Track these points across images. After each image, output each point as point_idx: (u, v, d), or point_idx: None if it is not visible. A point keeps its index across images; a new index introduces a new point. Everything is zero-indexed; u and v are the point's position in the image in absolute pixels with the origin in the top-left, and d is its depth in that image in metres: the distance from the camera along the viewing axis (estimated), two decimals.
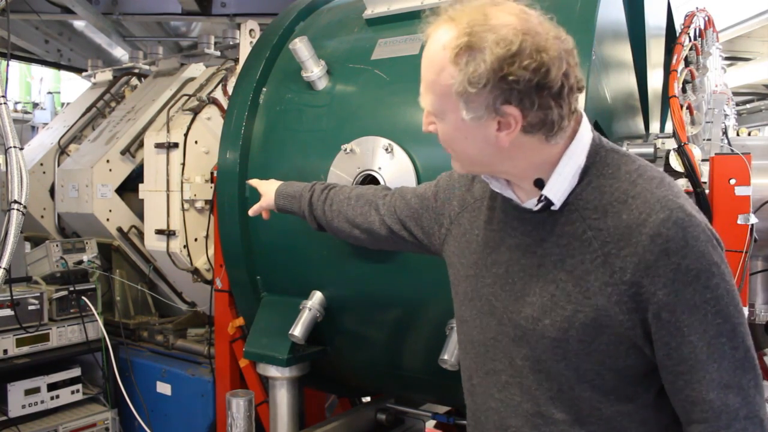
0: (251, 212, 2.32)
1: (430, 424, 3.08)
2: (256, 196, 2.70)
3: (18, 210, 2.65)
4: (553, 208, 1.37)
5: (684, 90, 2.56)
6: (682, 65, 2.58)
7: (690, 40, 2.86)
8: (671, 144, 2.42)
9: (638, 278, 1.26)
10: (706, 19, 3.24)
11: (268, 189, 2.25)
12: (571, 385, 1.37)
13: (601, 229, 1.31)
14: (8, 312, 3.31)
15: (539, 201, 1.37)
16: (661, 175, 1.35)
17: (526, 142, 1.31)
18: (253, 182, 2.36)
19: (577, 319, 1.32)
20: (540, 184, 1.36)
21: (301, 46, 2.55)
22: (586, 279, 1.32)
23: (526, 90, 1.23)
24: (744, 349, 1.29)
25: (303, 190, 2.14)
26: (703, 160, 2.23)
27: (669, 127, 2.87)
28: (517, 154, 1.34)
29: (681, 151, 2.19)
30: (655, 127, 3.20)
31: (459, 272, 1.59)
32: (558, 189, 1.35)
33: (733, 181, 2.07)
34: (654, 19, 3.03)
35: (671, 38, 2.99)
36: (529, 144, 1.32)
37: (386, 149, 2.31)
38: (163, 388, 3.58)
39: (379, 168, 2.33)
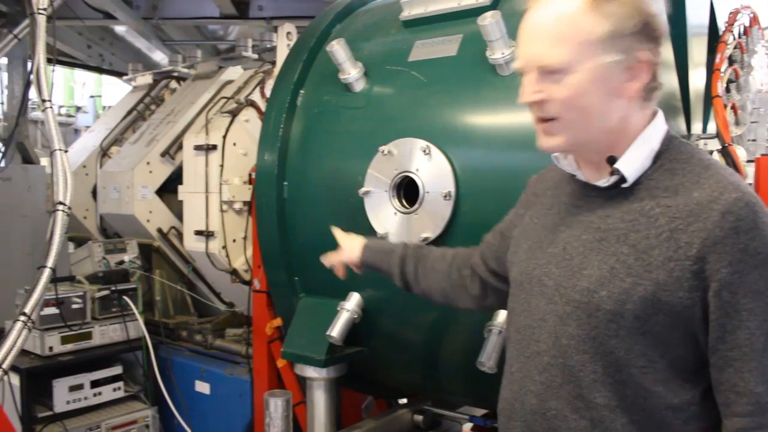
0: (327, 263, 2.18)
1: (467, 426, 3.06)
2: (294, 197, 2.73)
3: (63, 211, 2.68)
4: (624, 185, 1.39)
5: (728, 89, 2.51)
6: (725, 64, 2.53)
7: (734, 38, 2.80)
8: (714, 145, 2.37)
9: (704, 254, 1.26)
10: (751, 16, 3.17)
11: (350, 244, 2.13)
12: (618, 367, 1.34)
13: (670, 206, 1.33)
14: (54, 310, 3.39)
15: (611, 174, 1.39)
16: (732, 169, 1.39)
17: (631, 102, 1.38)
18: (336, 233, 2.22)
19: (636, 292, 1.31)
20: (612, 160, 1.39)
21: (338, 48, 2.57)
22: (649, 253, 1.32)
23: (658, 39, 1.35)
24: None
25: (395, 246, 2.06)
26: (747, 161, 2.18)
27: (712, 128, 2.82)
28: (619, 114, 1.38)
29: (725, 152, 2.16)
30: (697, 127, 3.13)
31: (512, 264, 1.61)
32: (631, 166, 1.38)
33: None
34: (696, 17, 2.97)
35: (714, 37, 2.92)
36: (630, 105, 1.38)
37: (424, 151, 2.31)
38: (202, 387, 3.63)
39: (417, 170, 2.33)
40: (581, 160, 1.49)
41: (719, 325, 1.28)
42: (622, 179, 1.39)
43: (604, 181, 1.42)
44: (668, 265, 1.29)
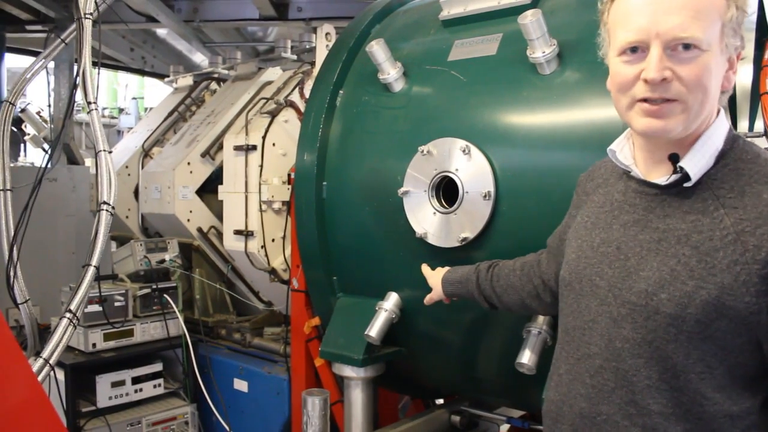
0: (427, 303, 2.25)
1: (505, 428, 3.03)
2: (333, 197, 2.75)
3: (107, 211, 2.72)
4: (687, 184, 1.34)
5: None
6: None
7: None
8: (762, 143, 2.31)
9: None
10: None
11: (435, 281, 2.19)
12: (675, 372, 1.29)
13: (737, 207, 1.27)
14: (97, 308, 3.46)
15: (674, 172, 1.34)
16: None
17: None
18: (425, 271, 2.28)
19: (699, 296, 1.26)
20: (675, 158, 1.34)
21: (377, 49, 2.57)
22: (713, 256, 1.26)
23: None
24: None
25: (469, 273, 2.08)
26: None
27: (759, 126, 2.74)
28: (716, 106, 1.35)
29: None
30: (743, 125, 3.06)
31: (563, 264, 1.58)
32: (696, 164, 1.33)
33: None
34: None
35: (763, 32, 2.84)
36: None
37: (463, 150, 2.29)
38: (240, 385, 3.66)
39: (457, 170, 2.31)
40: (642, 154, 1.43)
41: None
42: (684, 178, 1.33)
43: (665, 179, 1.36)
44: (734, 269, 1.24)
